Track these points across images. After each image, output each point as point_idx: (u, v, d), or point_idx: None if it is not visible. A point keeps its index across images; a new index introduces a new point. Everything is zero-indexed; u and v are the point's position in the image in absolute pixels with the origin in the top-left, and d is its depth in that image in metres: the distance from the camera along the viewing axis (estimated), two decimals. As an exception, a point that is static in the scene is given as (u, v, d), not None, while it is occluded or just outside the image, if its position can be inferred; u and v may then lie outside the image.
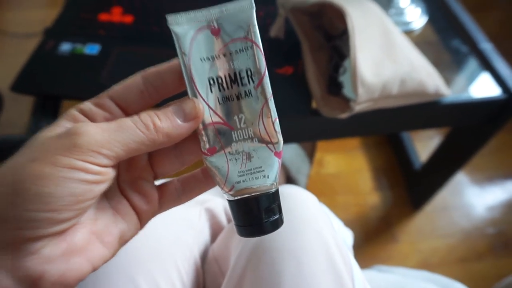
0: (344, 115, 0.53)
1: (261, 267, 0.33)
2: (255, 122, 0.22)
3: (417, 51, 0.59)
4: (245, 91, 0.21)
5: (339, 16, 0.60)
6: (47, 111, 0.58)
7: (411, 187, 1.02)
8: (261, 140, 0.22)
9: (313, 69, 0.58)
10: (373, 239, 0.94)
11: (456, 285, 0.40)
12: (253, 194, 0.22)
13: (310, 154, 0.88)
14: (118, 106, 0.22)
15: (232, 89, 0.21)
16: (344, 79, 0.56)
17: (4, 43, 0.74)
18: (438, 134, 1.13)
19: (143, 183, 0.23)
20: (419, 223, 0.98)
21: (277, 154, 0.22)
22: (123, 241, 0.22)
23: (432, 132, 1.14)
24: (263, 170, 0.22)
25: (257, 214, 0.22)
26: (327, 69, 0.59)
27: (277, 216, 0.22)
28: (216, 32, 0.21)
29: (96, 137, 0.19)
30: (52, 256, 0.19)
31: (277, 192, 0.23)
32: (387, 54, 0.54)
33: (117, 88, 0.22)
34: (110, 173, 0.20)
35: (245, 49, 0.21)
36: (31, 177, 0.18)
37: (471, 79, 0.66)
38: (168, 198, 0.24)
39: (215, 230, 0.46)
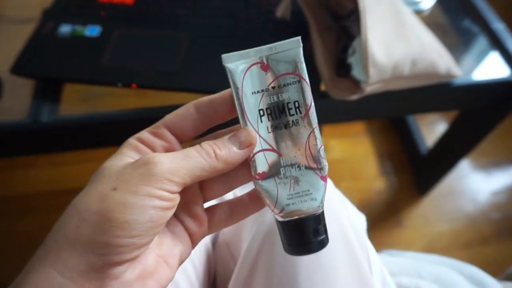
0: (354, 97, 0.51)
1: (275, 251, 0.32)
2: (302, 149, 0.23)
3: (428, 31, 0.58)
4: (292, 121, 0.23)
5: (348, -6, 0.58)
6: (48, 95, 0.56)
7: (417, 173, 1.01)
8: (308, 165, 0.23)
9: (321, 50, 0.56)
10: (378, 225, 0.94)
11: (469, 268, 0.39)
12: (302, 215, 0.23)
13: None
14: (172, 134, 0.23)
15: (281, 119, 0.23)
16: (353, 60, 0.54)
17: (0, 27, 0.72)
18: (444, 119, 1.12)
19: (195, 207, 0.24)
20: (424, 208, 0.97)
21: (323, 178, 0.23)
22: (181, 261, 0.24)
23: (438, 117, 1.13)
24: (311, 193, 0.23)
25: (305, 235, 0.23)
26: (335, 50, 0.57)
27: (323, 236, 0.24)
28: (266, 68, 0.23)
29: (168, 165, 0.20)
30: (131, 279, 0.20)
31: (323, 213, 0.24)
32: (398, 34, 0.53)
33: (171, 117, 0.23)
34: (178, 199, 0.21)
35: (293, 83, 0.23)
36: (118, 206, 0.19)
37: (482, 60, 0.64)
38: (216, 221, 0.25)
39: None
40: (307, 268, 0.31)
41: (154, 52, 0.58)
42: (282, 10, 0.60)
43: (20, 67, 0.56)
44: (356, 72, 0.53)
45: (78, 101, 0.65)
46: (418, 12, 0.70)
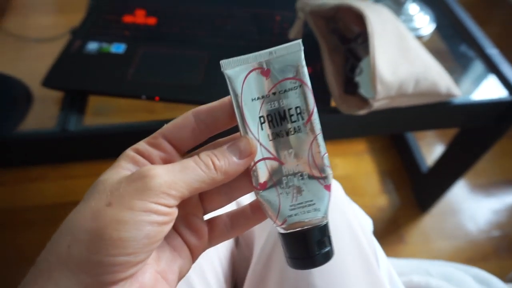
0: (363, 112, 0.55)
1: None
2: (305, 157, 0.22)
3: (429, 53, 0.62)
4: (294, 128, 0.22)
5: (355, 20, 0.63)
6: (75, 106, 0.60)
7: (417, 190, 1.04)
8: (311, 174, 0.22)
9: (331, 70, 0.61)
10: (381, 240, 0.95)
11: (473, 269, 0.42)
12: (305, 227, 0.22)
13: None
14: (170, 144, 0.22)
15: (282, 126, 0.22)
16: (360, 79, 0.59)
17: (20, 47, 0.76)
18: (443, 138, 1.16)
19: (194, 219, 0.24)
20: (426, 225, 1.00)
21: (327, 187, 0.22)
22: (181, 276, 0.23)
23: (436, 138, 1.17)
24: (314, 204, 0.22)
25: (309, 247, 0.22)
26: (344, 70, 0.62)
27: (328, 248, 0.23)
28: (266, 73, 0.22)
29: (165, 178, 0.19)
30: None
31: (327, 224, 0.23)
32: (402, 55, 0.57)
33: (170, 127, 0.22)
34: (175, 213, 0.20)
35: (294, 88, 0.22)
36: (112, 223, 0.18)
37: (479, 82, 0.69)
38: (217, 233, 0.24)
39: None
40: None
41: (175, 68, 0.62)
42: (294, 33, 0.65)
43: (50, 80, 0.60)
44: (363, 90, 0.58)
45: (91, 116, 0.69)
46: (419, 38, 0.75)
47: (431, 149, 1.13)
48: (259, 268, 0.37)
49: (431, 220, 1.01)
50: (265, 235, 0.38)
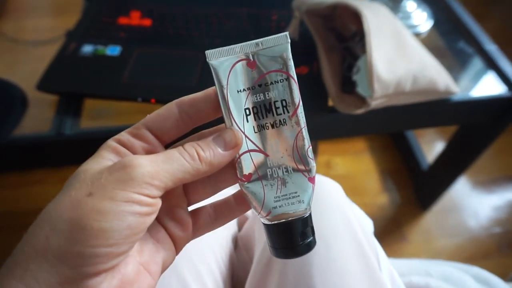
0: (360, 111, 0.55)
1: None
2: (290, 149, 0.23)
3: (426, 51, 0.62)
4: (280, 120, 0.22)
5: (352, 18, 0.62)
6: (71, 109, 0.60)
7: (418, 188, 1.04)
8: (295, 167, 0.23)
9: (328, 69, 0.60)
10: (382, 239, 0.95)
11: (474, 268, 0.41)
12: (289, 218, 0.23)
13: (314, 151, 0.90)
14: (153, 135, 0.22)
15: (267, 118, 0.22)
16: (358, 78, 0.58)
17: (16, 50, 0.76)
18: (443, 135, 1.16)
19: (179, 211, 0.23)
20: (427, 223, 0.99)
21: (311, 179, 0.23)
22: (164, 268, 0.23)
23: (436, 136, 1.17)
24: (298, 195, 0.23)
25: (292, 238, 0.23)
26: (341, 69, 0.62)
27: (310, 238, 0.23)
28: (252, 65, 0.22)
29: (148, 168, 0.19)
30: None
31: (310, 215, 0.24)
32: (399, 53, 0.57)
33: (153, 117, 0.22)
34: (159, 204, 0.20)
35: (280, 81, 0.22)
36: (92, 213, 0.18)
37: (477, 78, 0.69)
38: (201, 224, 0.24)
39: (240, 219, 0.47)
40: (320, 264, 0.33)
41: (171, 69, 0.62)
42: (291, 32, 0.65)
43: (45, 84, 0.60)
44: (361, 89, 0.57)
45: (87, 119, 0.68)
46: (416, 35, 0.75)
47: (431, 147, 1.12)
48: (260, 270, 0.37)
49: (433, 218, 1.00)
50: (264, 238, 0.38)
